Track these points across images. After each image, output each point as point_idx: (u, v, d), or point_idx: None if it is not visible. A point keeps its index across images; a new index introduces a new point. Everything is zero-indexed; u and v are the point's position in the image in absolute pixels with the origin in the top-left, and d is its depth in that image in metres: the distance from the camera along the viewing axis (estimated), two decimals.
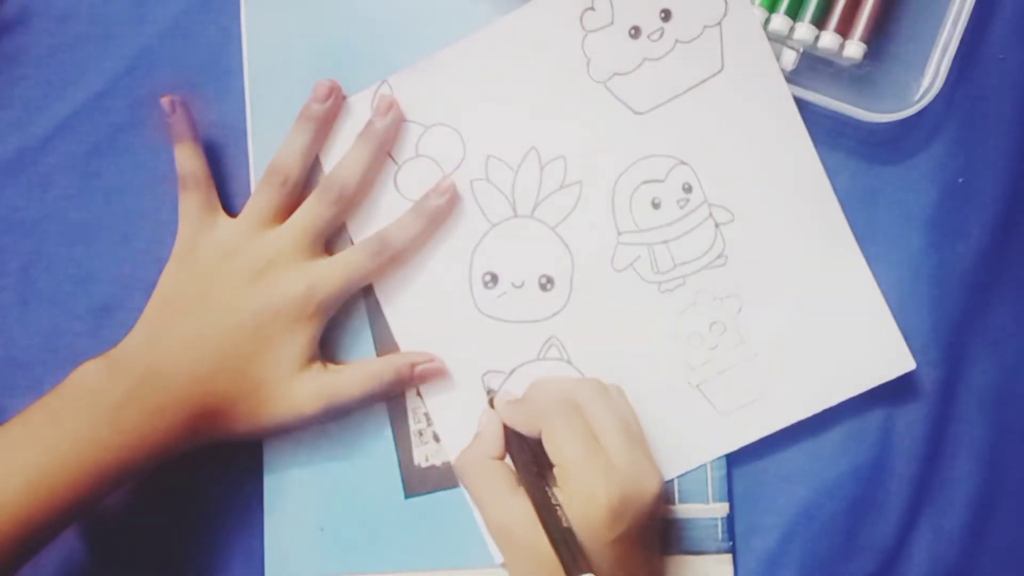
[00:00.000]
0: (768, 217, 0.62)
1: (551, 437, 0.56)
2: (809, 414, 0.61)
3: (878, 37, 0.62)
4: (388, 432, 0.62)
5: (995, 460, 0.63)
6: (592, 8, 0.61)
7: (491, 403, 0.61)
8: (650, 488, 0.55)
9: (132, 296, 0.61)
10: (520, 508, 0.55)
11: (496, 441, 0.58)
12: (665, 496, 0.56)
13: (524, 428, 0.58)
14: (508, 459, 0.58)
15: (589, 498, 0.53)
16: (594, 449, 0.55)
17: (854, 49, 0.61)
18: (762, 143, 0.62)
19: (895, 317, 0.61)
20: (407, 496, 0.62)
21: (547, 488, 0.55)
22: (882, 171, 0.63)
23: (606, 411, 0.56)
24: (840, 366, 0.61)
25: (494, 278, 0.62)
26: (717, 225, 0.62)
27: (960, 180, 0.63)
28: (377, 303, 0.62)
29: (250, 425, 0.59)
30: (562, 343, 0.62)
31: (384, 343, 0.62)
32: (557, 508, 0.54)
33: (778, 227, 0.62)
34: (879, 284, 0.62)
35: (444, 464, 0.62)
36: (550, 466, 0.56)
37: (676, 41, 0.61)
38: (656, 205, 0.62)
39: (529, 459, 0.57)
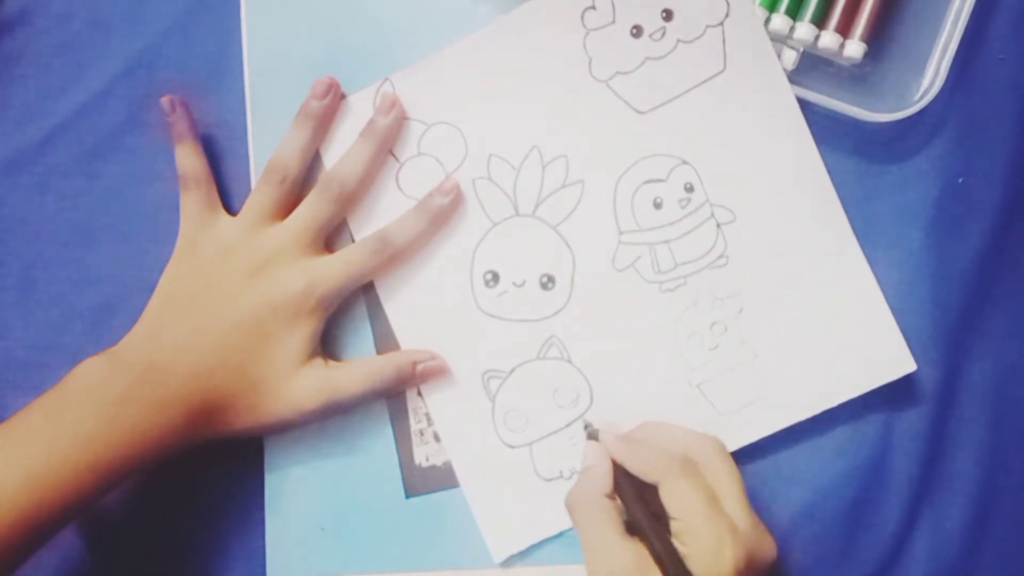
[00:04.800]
0: (770, 217, 0.62)
1: (674, 492, 0.54)
2: (809, 415, 0.61)
3: (878, 37, 0.62)
4: (389, 432, 0.62)
5: (995, 460, 0.63)
6: (593, 7, 0.62)
7: (590, 436, 0.60)
8: (770, 553, 0.55)
9: (132, 296, 0.61)
10: (630, 554, 0.54)
11: (607, 477, 0.57)
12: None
13: (637, 471, 0.56)
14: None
15: (716, 557, 0.53)
16: (718, 509, 0.54)
17: (854, 49, 0.61)
18: (764, 143, 0.62)
19: (895, 317, 0.61)
20: (408, 496, 0.62)
21: (669, 540, 0.54)
22: (882, 171, 0.63)
23: (731, 472, 0.56)
24: (841, 367, 0.61)
25: (495, 277, 0.62)
26: (719, 225, 0.62)
27: (960, 180, 0.63)
28: (378, 301, 0.62)
29: (250, 421, 0.59)
30: (562, 342, 0.62)
31: (385, 341, 0.62)
32: (683, 560, 0.53)
33: (780, 227, 0.62)
34: (879, 284, 0.62)
35: (445, 464, 0.62)
36: (659, 515, 0.55)
37: (678, 40, 0.61)
38: (658, 205, 0.62)
39: (640, 502, 0.56)
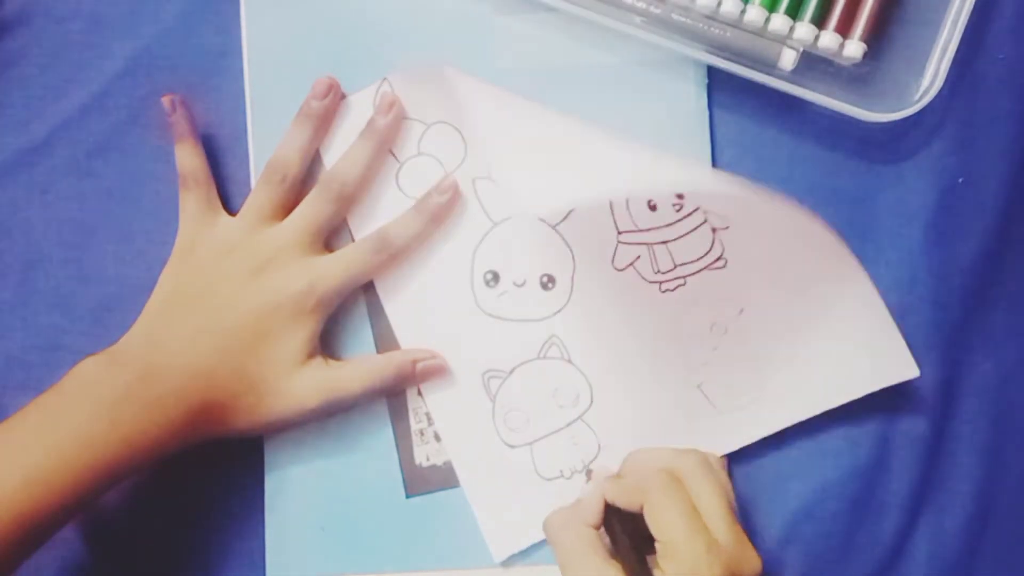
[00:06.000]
0: (764, 224, 0.61)
1: (654, 512, 0.54)
2: (809, 415, 0.61)
3: (878, 37, 0.62)
4: (389, 431, 0.62)
5: (995, 460, 0.63)
6: None
7: (588, 477, 0.60)
8: (751, 570, 0.54)
9: (132, 296, 0.61)
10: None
11: (596, 511, 0.57)
12: None
13: (625, 503, 0.56)
14: (603, 533, 0.57)
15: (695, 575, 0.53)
16: (698, 525, 0.53)
17: (854, 49, 0.61)
18: None
19: (895, 318, 0.61)
20: (408, 496, 0.62)
21: (647, 564, 0.54)
22: (882, 171, 0.63)
23: (712, 486, 0.55)
24: (841, 369, 0.61)
25: (495, 276, 0.62)
26: (714, 230, 0.62)
27: (960, 180, 0.63)
28: (378, 301, 0.62)
29: (250, 420, 0.59)
30: (563, 342, 0.62)
31: (385, 341, 0.62)
32: None
33: (775, 233, 0.61)
34: (879, 285, 0.61)
35: (445, 463, 0.62)
36: (649, 541, 0.55)
37: None
38: (652, 207, 0.62)
39: (626, 534, 0.56)
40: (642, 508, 0.55)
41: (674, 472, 0.56)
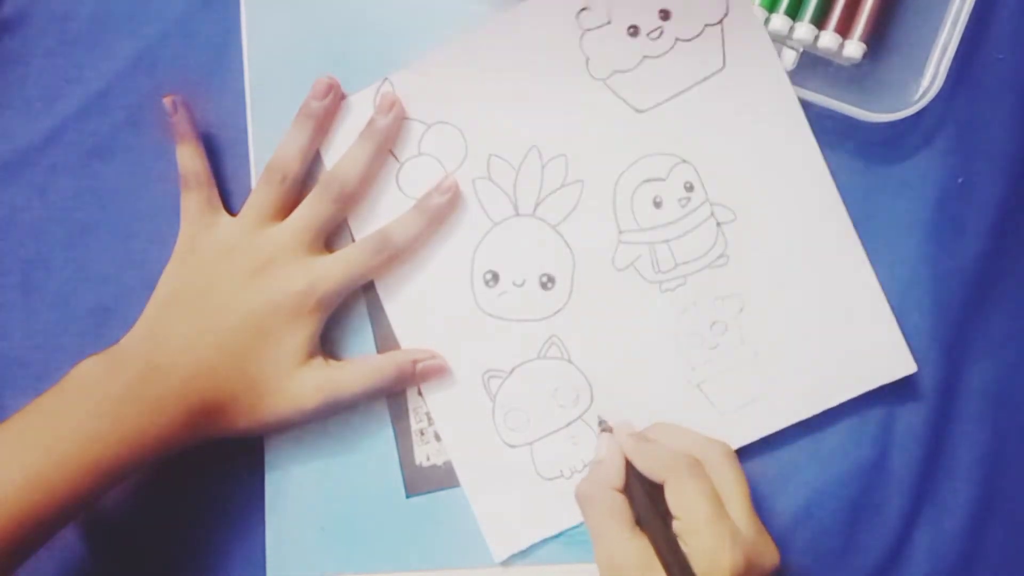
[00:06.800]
0: (771, 216, 0.62)
1: (680, 491, 0.55)
2: (809, 414, 0.61)
3: (878, 37, 0.62)
4: (389, 431, 0.62)
5: (995, 460, 0.63)
6: (588, 8, 0.61)
7: (602, 431, 0.60)
8: (770, 561, 0.55)
9: (132, 296, 0.61)
10: (637, 548, 0.54)
11: (619, 471, 0.57)
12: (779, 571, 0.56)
13: (645, 468, 0.56)
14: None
15: (714, 559, 0.53)
16: (721, 512, 0.54)
17: (854, 49, 0.61)
18: (765, 141, 0.61)
19: (895, 317, 0.61)
20: (408, 495, 0.62)
21: (672, 535, 0.54)
22: (882, 171, 0.63)
23: (737, 478, 0.56)
24: (841, 367, 0.61)
25: (495, 276, 0.62)
26: (719, 224, 0.62)
27: (960, 180, 0.63)
28: (378, 301, 0.62)
29: (250, 420, 0.59)
30: (563, 342, 0.62)
31: (385, 341, 0.62)
32: (685, 555, 0.53)
33: (781, 226, 0.62)
34: (879, 284, 0.62)
35: (445, 463, 0.62)
36: (666, 514, 0.55)
37: (676, 39, 0.61)
38: (658, 204, 0.62)
39: (648, 499, 0.56)
40: (662, 483, 0.55)
41: (699, 458, 0.56)
